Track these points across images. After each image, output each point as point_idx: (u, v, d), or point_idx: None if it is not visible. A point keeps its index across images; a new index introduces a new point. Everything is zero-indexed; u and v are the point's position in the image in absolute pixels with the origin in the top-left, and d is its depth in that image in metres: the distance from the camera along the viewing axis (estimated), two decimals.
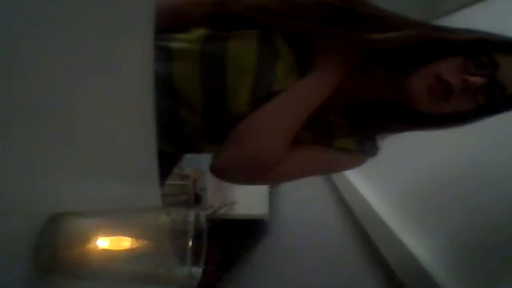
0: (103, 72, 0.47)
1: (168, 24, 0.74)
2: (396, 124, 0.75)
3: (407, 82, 0.68)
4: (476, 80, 0.63)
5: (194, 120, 0.74)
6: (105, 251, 0.34)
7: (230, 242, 2.62)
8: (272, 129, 0.69)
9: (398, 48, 0.69)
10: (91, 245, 0.34)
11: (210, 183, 2.56)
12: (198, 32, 0.73)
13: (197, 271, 0.35)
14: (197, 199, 2.52)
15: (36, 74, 0.35)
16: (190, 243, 0.32)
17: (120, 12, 0.51)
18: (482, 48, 0.66)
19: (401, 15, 0.71)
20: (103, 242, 0.34)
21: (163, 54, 0.71)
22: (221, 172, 0.74)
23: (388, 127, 0.76)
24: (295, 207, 2.29)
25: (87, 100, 0.44)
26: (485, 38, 0.68)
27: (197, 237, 0.34)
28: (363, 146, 0.76)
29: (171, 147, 0.78)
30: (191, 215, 0.34)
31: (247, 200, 2.54)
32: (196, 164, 2.53)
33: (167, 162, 0.78)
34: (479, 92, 0.65)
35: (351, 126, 0.73)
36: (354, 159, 0.78)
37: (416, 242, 0.98)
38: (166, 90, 0.71)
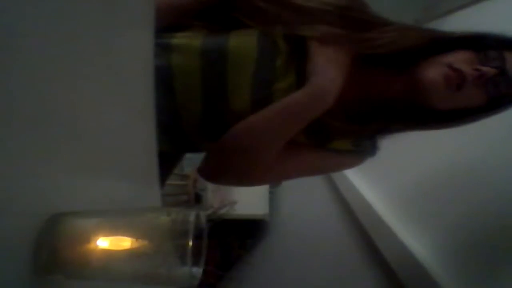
0: (103, 71, 0.47)
1: (168, 23, 0.75)
2: (400, 123, 0.75)
3: (419, 74, 0.68)
4: (489, 70, 0.64)
5: (194, 118, 0.74)
6: (105, 251, 0.34)
7: (230, 242, 2.62)
8: (263, 139, 0.68)
9: (398, 47, 0.70)
10: (91, 245, 0.34)
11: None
12: (199, 31, 0.73)
13: (197, 271, 0.35)
14: (197, 199, 2.52)
15: (36, 73, 0.35)
16: (191, 243, 0.32)
17: (121, 11, 0.51)
18: (490, 43, 0.67)
19: (399, 23, 0.72)
20: (103, 242, 0.34)
21: (164, 52, 0.71)
22: (208, 176, 0.77)
23: (391, 126, 0.76)
24: (295, 207, 2.29)
25: (87, 99, 0.44)
26: (490, 34, 0.69)
27: (197, 237, 0.34)
28: (361, 146, 0.76)
29: (171, 147, 0.78)
30: (191, 215, 0.34)
31: (247, 200, 2.54)
32: (196, 164, 2.51)
33: (167, 162, 0.78)
34: (490, 83, 0.65)
35: (352, 128, 0.73)
36: (351, 159, 0.78)
37: (416, 242, 0.98)
38: (166, 89, 0.71)
